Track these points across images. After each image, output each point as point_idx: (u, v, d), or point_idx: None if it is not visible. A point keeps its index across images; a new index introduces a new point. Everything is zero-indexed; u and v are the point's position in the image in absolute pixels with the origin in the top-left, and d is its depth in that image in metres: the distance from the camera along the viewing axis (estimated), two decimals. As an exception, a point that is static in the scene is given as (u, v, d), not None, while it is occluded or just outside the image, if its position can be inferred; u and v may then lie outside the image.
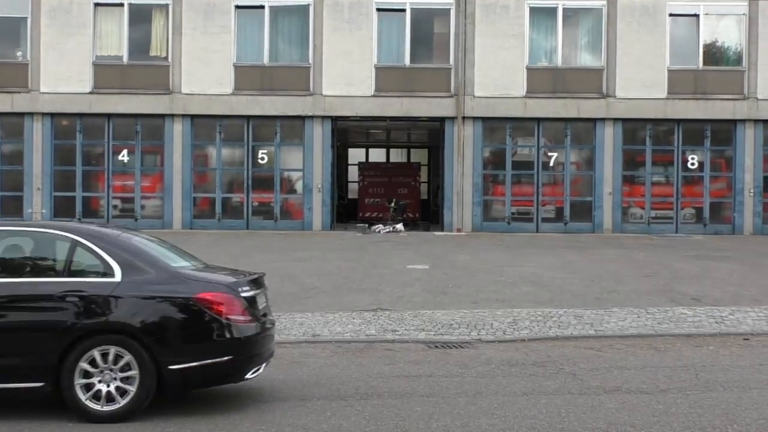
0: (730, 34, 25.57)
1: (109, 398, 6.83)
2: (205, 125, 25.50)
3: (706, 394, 7.76)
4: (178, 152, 25.17)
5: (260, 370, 7.42)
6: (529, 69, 25.12)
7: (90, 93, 24.90)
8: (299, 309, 11.66)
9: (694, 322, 10.98)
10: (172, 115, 25.10)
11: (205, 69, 24.97)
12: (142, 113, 25.19)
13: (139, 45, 25.41)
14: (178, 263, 7.50)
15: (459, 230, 24.94)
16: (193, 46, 24.98)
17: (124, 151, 25.48)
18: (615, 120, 25.11)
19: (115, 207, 25.56)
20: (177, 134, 25.17)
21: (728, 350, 9.68)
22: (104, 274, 7.05)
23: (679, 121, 25.36)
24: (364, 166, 33.05)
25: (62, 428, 6.67)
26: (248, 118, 25.37)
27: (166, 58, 25.28)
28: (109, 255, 7.10)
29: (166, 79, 25.12)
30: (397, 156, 36.14)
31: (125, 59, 25.27)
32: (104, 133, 25.40)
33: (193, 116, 25.19)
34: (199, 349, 6.97)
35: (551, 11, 25.21)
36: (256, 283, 7.56)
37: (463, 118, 24.96)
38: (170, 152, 25.21)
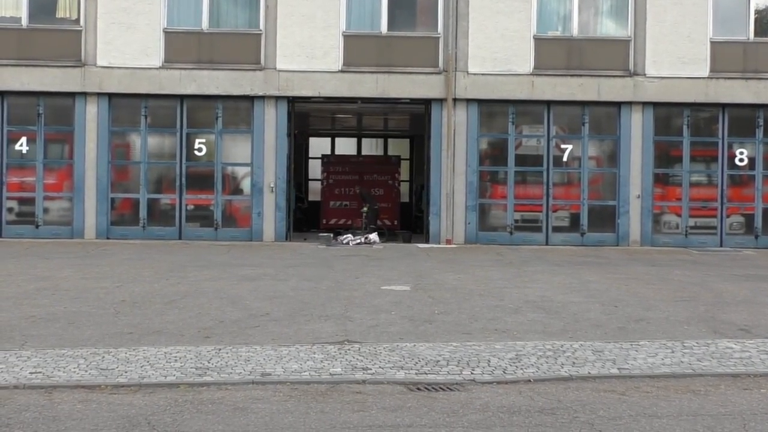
0: (788, -2, 25.92)
1: None
2: (126, 107, 25.38)
3: (757, 449, 7.79)
4: (92, 141, 25.02)
5: None
6: (537, 39, 25.25)
7: (-21, 64, 24.84)
8: (244, 341, 11.61)
9: (742, 359, 11.06)
10: (85, 94, 24.96)
11: (127, 35, 24.85)
12: (46, 91, 25.05)
13: (43, 4, 25.25)
14: None
15: (448, 242, 24.99)
16: (111, 7, 24.86)
17: (23, 139, 25.31)
18: (644, 104, 25.31)
19: (10, 210, 25.35)
20: (91, 118, 25.02)
21: (785, 394, 9.75)
22: None
23: (724, 105, 25.61)
24: (330, 161, 33.03)
25: None
26: (182, 97, 25.28)
27: (77, 21, 25.14)
28: None
29: (77, 48, 24.97)
30: (371, 148, 36.16)
31: (24, 22, 25.11)
32: (-3, 116, 25.33)
33: (111, 95, 25.07)
34: None
35: (565, -33, 25.44)
36: None
37: (454, 100, 25.03)
38: (82, 140, 25.06)
